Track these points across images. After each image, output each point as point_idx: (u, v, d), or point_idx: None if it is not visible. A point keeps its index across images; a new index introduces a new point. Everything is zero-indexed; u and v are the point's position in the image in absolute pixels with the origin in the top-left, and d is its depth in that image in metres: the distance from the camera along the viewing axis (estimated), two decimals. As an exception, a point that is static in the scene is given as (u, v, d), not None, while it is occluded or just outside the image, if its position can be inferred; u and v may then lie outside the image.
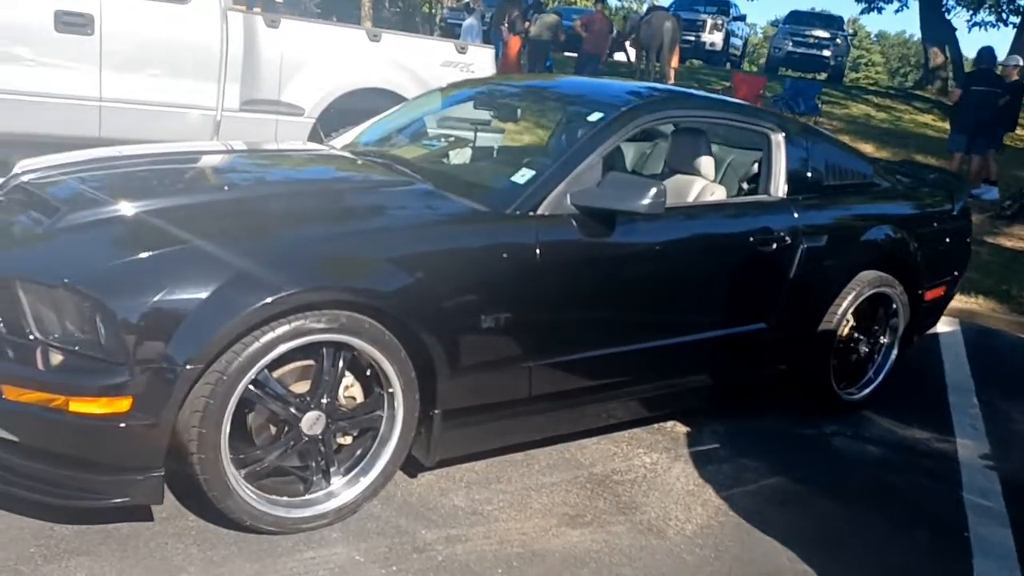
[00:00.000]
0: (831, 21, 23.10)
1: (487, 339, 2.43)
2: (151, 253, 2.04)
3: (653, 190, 2.56)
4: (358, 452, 2.35)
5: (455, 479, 2.63)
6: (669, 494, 2.72)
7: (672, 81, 17.91)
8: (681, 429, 3.23)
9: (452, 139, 3.37)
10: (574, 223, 2.61)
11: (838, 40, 22.29)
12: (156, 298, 1.96)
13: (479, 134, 3.36)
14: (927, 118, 16.32)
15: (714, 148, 3.46)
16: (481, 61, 6.08)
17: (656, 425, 3.21)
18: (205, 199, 2.35)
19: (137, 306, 1.95)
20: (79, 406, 1.95)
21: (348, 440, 2.34)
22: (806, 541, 2.51)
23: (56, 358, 1.98)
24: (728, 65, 24.95)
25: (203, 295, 1.99)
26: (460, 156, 3.24)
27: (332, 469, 2.29)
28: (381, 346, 2.24)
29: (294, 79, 5.34)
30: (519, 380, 2.57)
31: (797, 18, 23.24)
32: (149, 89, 4.83)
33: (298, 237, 2.22)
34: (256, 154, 3.11)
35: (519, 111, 3.33)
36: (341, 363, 2.24)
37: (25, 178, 2.39)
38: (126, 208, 2.22)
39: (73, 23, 4.52)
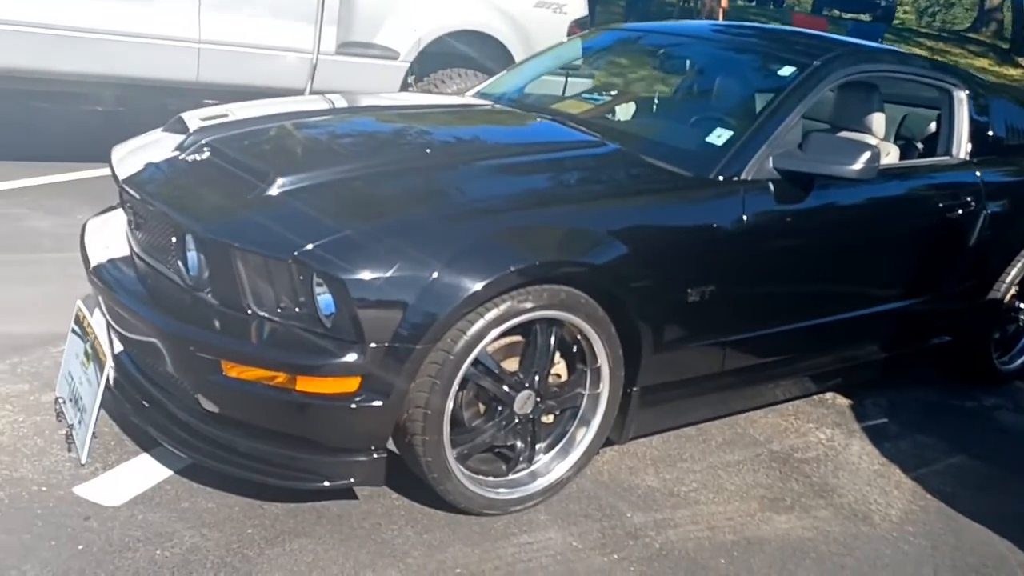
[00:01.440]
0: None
1: (691, 313, 2.29)
2: (379, 224, 1.89)
3: (867, 153, 2.37)
4: (561, 431, 2.24)
5: (638, 456, 2.52)
6: (858, 474, 2.60)
7: (722, 20, 17.29)
8: (842, 402, 3.10)
9: (614, 92, 3.16)
10: (775, 188, 2.43)
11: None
12: (389, 274, 1.82)
13: (643, 88, 3.14)
14: (983, 62, 15.67)
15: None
16: (575, 1, 5.79)
17: (816, 398, 3.09)
18: (407, 165, 2.16)
19: (370, 282, 1.81)
20: (307, 385, 1.84)
21: (550, 419, 2.23)
22: (1019, 527, 2.40)
23: (280, 334, 1.87)
24: (771, 5, 24.09)
25: (435, 271, 1.85)
26: (626, 111, 3.04)
27: (538, 448, 2.19)
28: (594, 322, 2.10)
29: (389, 21, 5.09)
30: (714, 355, 2.44)
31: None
32: (247, 30, 4.61)
33: (518, 207, 2.06)
34: (423, 110, 2.87)
35: (688, 62, 3.10)
36: (553, 340, 2.11)
37: (208, 137, 2.23)
38: (336, 173, 2.06)
39: (172, -41, 4.30)
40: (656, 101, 3.12)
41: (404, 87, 5.27)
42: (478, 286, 1.87)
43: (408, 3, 5.09)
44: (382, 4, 5.02)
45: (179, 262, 2.04)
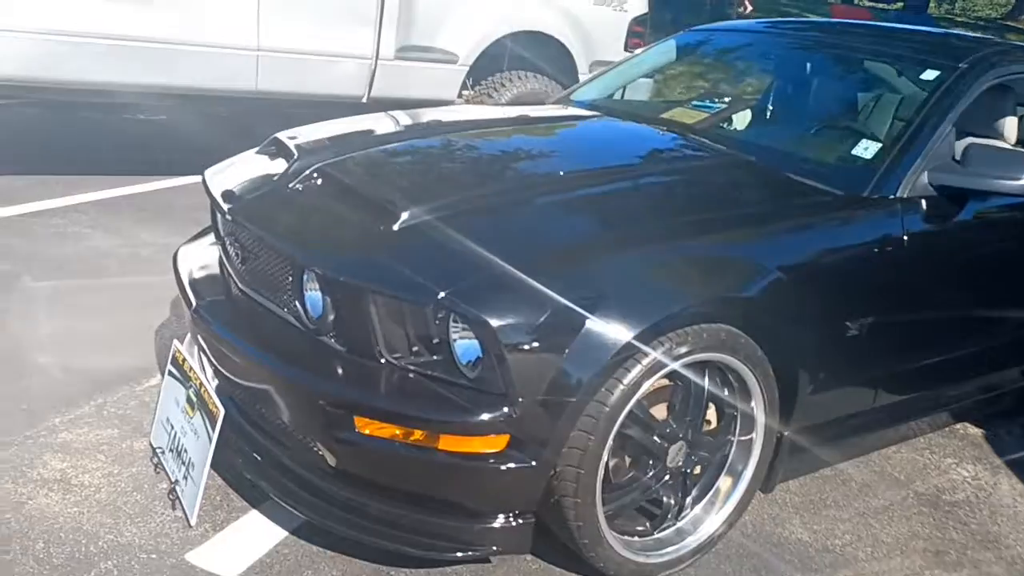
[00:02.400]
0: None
1: (850, 346, 2.06)
2: (526, 262, 1.69)
3: (1037, 167, 2.14)
4: (707, 482, 2.02)
5: (778, 502, 2.30)
6: (1018, 519, 2.36)
7: (751, 10, 16.94)
8: (974, 432, 2.86)
9: (728, 99, 2.93)
10: (931, 205, 2.20)
11: (926, -34, 20.88)
12: (541, 319, 1.62)
13: (759, 94, 2.91)
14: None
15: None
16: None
17: (947, 428, 2.85)
18: (541, 189, 1.95)
19: (521, 328, 1.60)
20: (450, 444, 1.64)
21: (697, 470, 2.02)
22: None
23: (419, 386, 1.67)
24: (802, -5, 23.64)
25: (590, 315, 1.64)
26: (742, 120, 2.81)
27: (687, 503, 1.98)
28: (752, 363, 1.88)
29: (448, 24, 4.88)
30: (867, 391, 2.22)
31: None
32: (306, 37, 4.42)
33: (668, 238, 1.84)
34: (531, 123, 2.64)
35: (807, 65, 2.86)
36: (707, 385, 1.90)
37: (318, 162, 2.03)
38: (465, 201, 1.86)
39: (232, -36, 4.12)
40: (774, 108, 2.88)
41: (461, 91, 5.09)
42: (637, 331, 1.66)
43: (467, 5, 4.88)
44: (441, 7, 4.82)
45: (297, 302, 1.84)
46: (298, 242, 1.84)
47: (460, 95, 5.07)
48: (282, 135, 2.31)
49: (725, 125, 2.79)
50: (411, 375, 1.69)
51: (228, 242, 2.09)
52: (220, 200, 2.08)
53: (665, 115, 2.76)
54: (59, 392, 2.43)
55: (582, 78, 5.51)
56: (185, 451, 1.97)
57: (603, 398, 1.69)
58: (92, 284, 3.27)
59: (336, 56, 4.57)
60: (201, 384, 1.96)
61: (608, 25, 5.46)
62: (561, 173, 2.06)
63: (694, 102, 2.96)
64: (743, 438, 2.00)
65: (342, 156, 2.07)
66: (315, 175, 2.00)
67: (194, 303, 2.05)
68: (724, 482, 2.03)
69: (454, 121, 2.64)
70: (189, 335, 2.25)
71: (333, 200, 1.92)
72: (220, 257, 2.27)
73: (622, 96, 2.93)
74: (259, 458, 1.93)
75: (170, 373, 2.12)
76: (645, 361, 1.71)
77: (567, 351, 1.63)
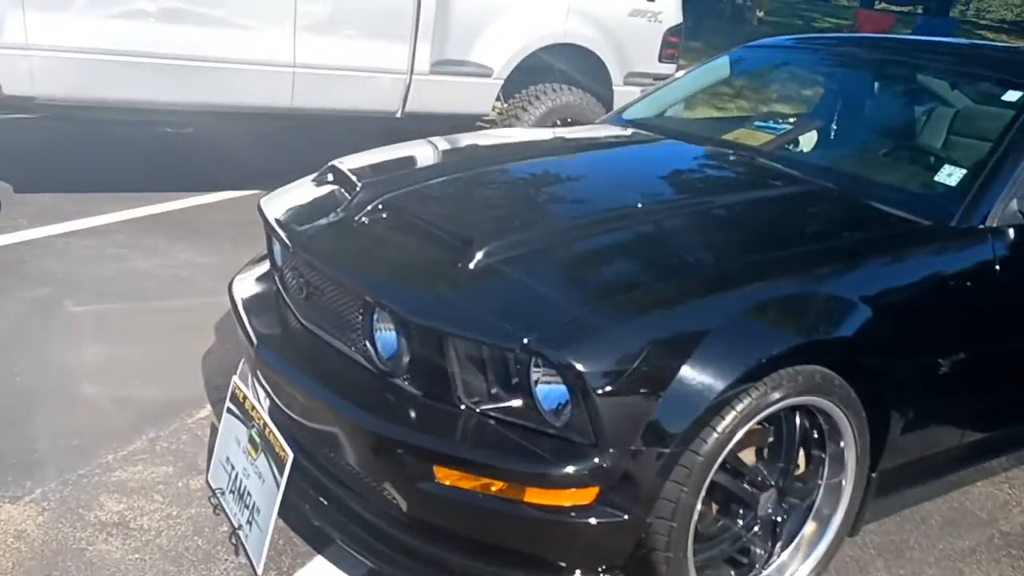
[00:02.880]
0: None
1: (943, 382, 1.96)
2: (616, 304, 1.60)
3: None
4: (793, 529, 1.93)
5: (858, 544, 2.20)
6: (1111, 562, 2.26)
7: (762, 14, 16.80)
8: (1050, 463, 2.76)
9: (792, 119, 2.83)
10: (1018, 235, 2.10)
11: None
12: (635, 364, 1.53)
13: (824, 113, 2.81)
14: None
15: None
16: (669, 9, 5.47)
17: (1015, 459, 2.74)
18: (620, 222, 1.85)
19: (613, 374, 1.52)
20: (537, 496, 1.55)
21: (785, 516, 1.92)
22: None
23: (502, 435, 1.58)
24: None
25: (686, 358, 1.56)
26: (808, 142, 2.72)
27: (775, 552, 1.88)
28: (846, 405, 1.79)
29: (482, 36, 4.81)
30: (955, 429, 2.12)
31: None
32: (341, 53, 4.36)
33: (757, 274, 1.74)
34: (596, 145, 2.57)
35: (875, 83, 2.76)
36: (798, 428, 1.81)
37: (383, 194, 1.95)
38: (544, 235, 1.78)
39: (268, -21, 4.06)
40: (842, 129, 2.78)
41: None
42: (734, 376, 1.57)
43: (502, 18, 4.81)
44: (476, 20, 4.75)
45: (367, 342, 1.77)
46: (369, 279, 1.76)
47: (493, 108, 5.01)
48: (340, 163, 2.23)
49: (791, 147, 2.69)
50: (493, 422, 1.60)
51: (289, 276, 2.02)
52: (280, 232, 2.01)
53: (728, 136, 2.67)
54: (109, 426, 2.37)
55: (616, 90, 5.45)
56: (249, 494, 1.90)
57: (697, 447, 1.60)
58: (134, 308, 3.21)
59: (371, 72, 4.51)
60: (265, 424, 1.89)
61: (642, 36, 5.37)
62: (639, 205, 1.97)
63: (756, 122, 2.86)
64: (832, 481, 1.91)
65: (409, 187, 1.99)
66: (382, 207, 1.92)
67: (255, 340, 1.97)
68: (810, 527, 1.93)
69: (514, 148, 2.55)
70: (247, 370, 2.18)
71: (404, 235, 1.84)
72: (276, 289, 2.20)
73: (677, 115, 2.84)
74: (325, 502, 1.85)
75: (229, 411, 2.05)
76: (740, 407, 1.62)
77: (661, 398, 1.54)
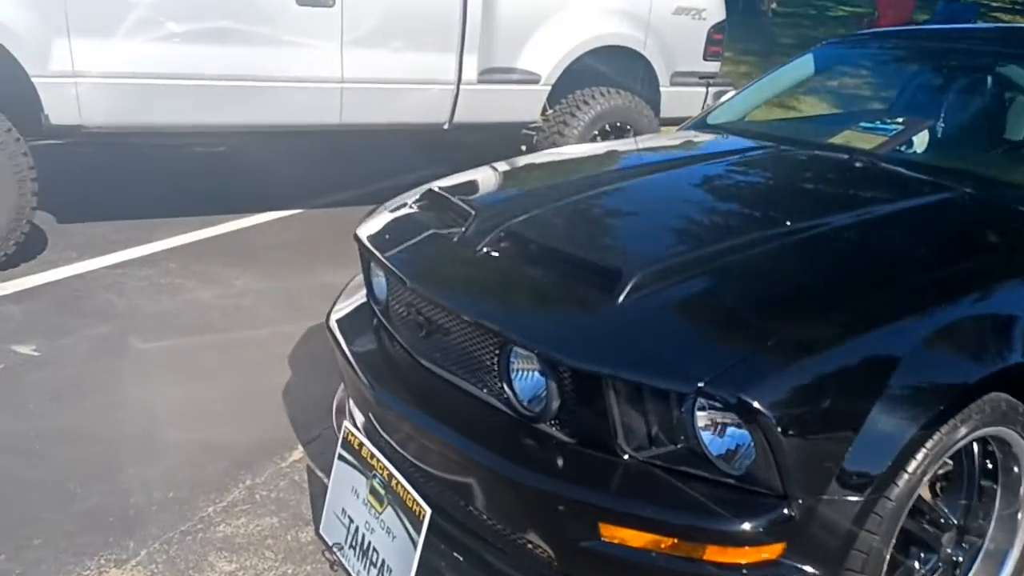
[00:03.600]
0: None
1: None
2: (792, 339, 1.45)
3: None
4: (968, 566, 1.78)
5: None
6: None
7: (775, 5, 16.58)
8: None
9: (900, 119, 2.68)
10: None
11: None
12: (823, 405, 1.39)
13: (934, 111, 2.66)
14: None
15: None
16: (713, 5, 5.32)
17: None
18: (772, 245, 1.69)
19: (799, 418, 1.37)
20: (718, 554, 1.41)
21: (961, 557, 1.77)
22: None
23: (673, 486, 1.44)
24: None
25: (879, 394, 1.41)
26: (921, 141, 2.56)
27: (950, 595, 1.74)
28: (1026, 433, 1.65)
29: (529, 42, 4.67)
30: None
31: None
32: (389, 65, 4.23)
33: (933, 298, 1.58)
34: (710, 159, 2.39)
35: (982, 77, 2.60)
36: (977, 459, 1.66)
37: (502, 222, 1.81)
38: (694, 264, 1.63)
39: (315, -7, 3.93)
40: (955, 127, 2.62)
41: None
42: (931, 413, 1.43)
43: (548, 22, 4.67)
44: (522, 26, 4.61)
45: (504, 385, 1.63)
46: (508, 318, 1.61)
47: (543, 115, 4.87)
48: (440, 188, 2.09)
49: (904, 148, 2.54)
50: (662, 472, 1.46)
51: (403, 311, 1.88)
52: (390, 265, 1.87)
53: (836, 139, 2.52)
54: (202, 474, 2.24)
55: (664, 91, 5.30)
56: (375, 551, 1.76)
57: (889, 491, 1.45)
58: (202, 342, 3.09)
59: (419, 83, 4.38)
60: (390, 475, 1.75)
61: (687, 34, 5.23)
62: (787, 223, 1.82)
63: (862, 123, 2.71)
64: (1005, 513, 1.76)
65: (530, 213, 1.84)
66: (505, 236, 1.77)
67: (371, 382, 1.83)
68: (983, 566, 1.78)
69: (621, 163, 2.39)
70: (354, 412, 2.04)
71: (536, 266, 1.69)
72: (379, 323, 2.07)
73: (765, 117, 2.69)
74: (460, 558, 1.71)
75: (341, 458, 1.91)
76: (930, 444, 1.48)
77: (853, 440, 1.40)
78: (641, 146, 2.63)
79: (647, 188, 2.08)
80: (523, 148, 5.26)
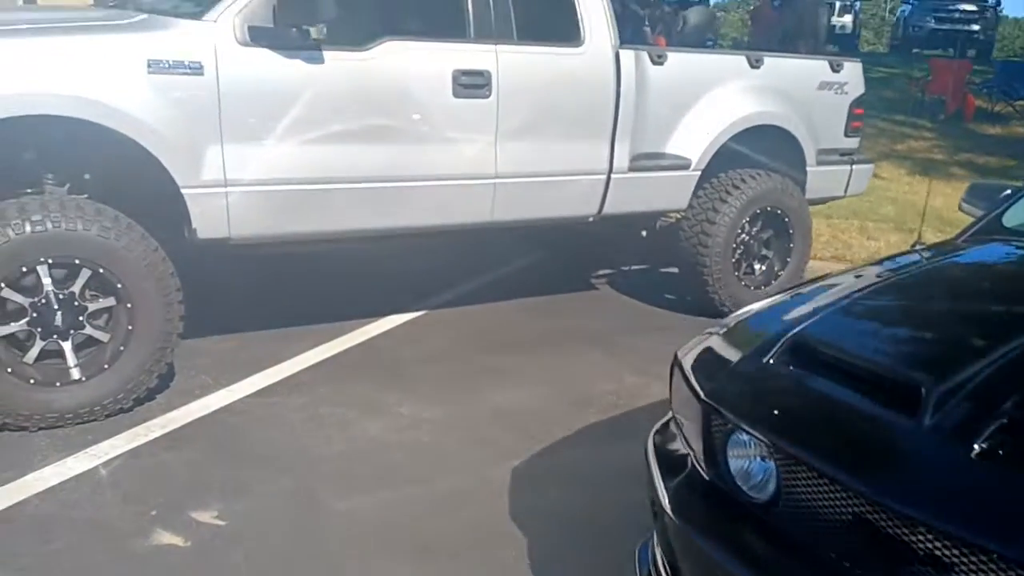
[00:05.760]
0: (969, -10, 21.15)
1: None
2: None
3: None
4: None
5: None
6: None
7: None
8: None
9: None
10: None
11: (987, 12, 20.44)
12: None
13: None
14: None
15: None
16: (854, 79, 4.99)
17: None
18: None
19: None
20: None
21: None
22: None
23: None
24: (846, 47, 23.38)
25: None
26: None
27: None
28: None
29: (679, 126, 4.32)
30: None
31: (930, -9, 21.37)
32: (542, 158, 3.87)
33: None
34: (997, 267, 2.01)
35: None
36: None
37: (989, 404, 1.36)
38: None
39: (472, 84, 3.58)
40: None
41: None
42: None
43: (699, 103, 4.33)
44: (673, 108, 4.26)
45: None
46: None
47: (691, 203, 4.48)
48: (813, 339, 1.64)
49: None
50: None
51: (824, 513, 1.41)
52: (808, 454, 1.41)
53: None
54: None
55: (810, 171, 4.93)
56: None
57: None
58: (406, 497, 2.60)
59: (570, 175, 4.01)
60: None
61: (830, 110, 4.89)
62: None
63: None
64: None
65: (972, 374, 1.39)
66: (1007, 428, 1.31)
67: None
68: None
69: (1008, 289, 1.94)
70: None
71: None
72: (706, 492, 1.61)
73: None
74: None
75: None
76: None
77: None
78: (959, 266, 2.17)
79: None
80: (643, 233, 4.89)
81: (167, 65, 2.94)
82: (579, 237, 5.06)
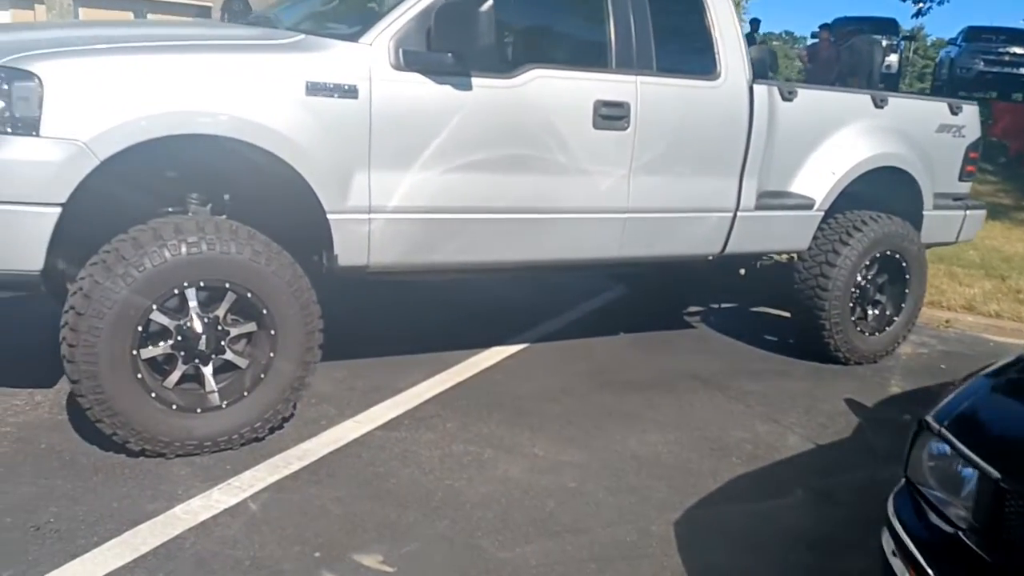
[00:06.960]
0: (1020, 36, 20.97)
1: None
2: None
3: None
4: None
5: None
6: None
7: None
8: None
9: None
10: None
11: (1038, 56, 20.19)
12: None
13: None
14: None
15: None
16: (971, 122, 4.85)
17: None
18: None
19: None
20: None
21: None
22: None
23: None
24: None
25: None
26: None
27: None
28: None
29: (806, 164, 4.19)
30: None
31: (979, 33, 21.17)
32: (673, 192, 3.74)
33: None
34: None
35: None
36: None
37: None
38: None
39: (612, 116, 3.47)
40: None
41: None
42: None
43: (826, 142, 4.20)
44: (798, 147, 4.13)
45: None
46: None
47: (810, 245, 4.34)
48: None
49: None
50: None
51: None
52: None
53: None
54: None
55: (926, 215, 4.78)
56: None
57: None
58: (572, 554, 2.44)
59: (699, 211, 3.88)
60: None
61: (947, 153, 4.74)
62: None
63: None
64: None
65: None
66: None
67: None
68: None
69: None
70: None
71: None
72: None
73: None
74: None
75: None
76: None
77: None
78: None
79: None
80: (741, 272, 4.75)
81: (326, 88, 2.86)
82: (661, 273, 4.93)
